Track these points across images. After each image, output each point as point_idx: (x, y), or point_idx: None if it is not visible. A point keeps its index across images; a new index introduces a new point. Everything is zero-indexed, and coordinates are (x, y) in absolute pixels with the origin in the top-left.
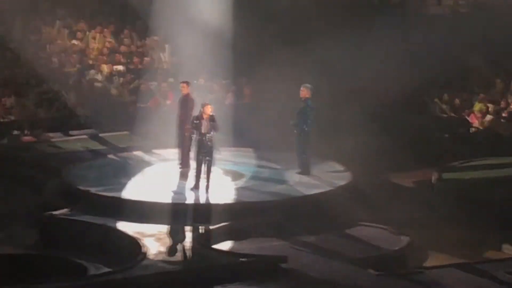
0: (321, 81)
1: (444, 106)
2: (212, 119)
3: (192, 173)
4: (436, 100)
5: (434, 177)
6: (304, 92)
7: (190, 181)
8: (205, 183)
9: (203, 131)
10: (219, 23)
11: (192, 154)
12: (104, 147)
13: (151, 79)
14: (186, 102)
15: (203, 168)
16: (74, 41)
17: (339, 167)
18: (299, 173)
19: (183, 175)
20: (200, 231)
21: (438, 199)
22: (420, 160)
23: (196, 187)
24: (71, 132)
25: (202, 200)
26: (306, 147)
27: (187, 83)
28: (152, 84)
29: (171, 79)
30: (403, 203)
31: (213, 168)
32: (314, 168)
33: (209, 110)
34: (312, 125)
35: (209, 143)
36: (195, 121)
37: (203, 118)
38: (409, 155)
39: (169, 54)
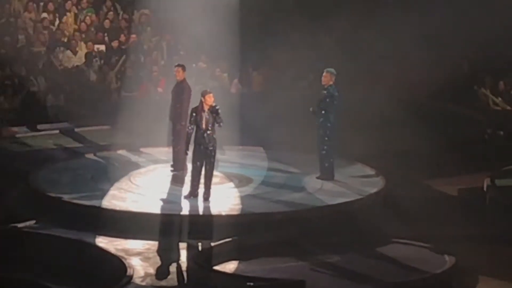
0: (345, 65)
1: (497, 98)
2: (214, 111)
3: (188, 177)
4: (486, 89)
5: (485, 183)
6: (327, 78)
7: (186, 187)
8: (204, 190)
9: (203, 126)
10: None
11: (190, 154)
12: (80, 145)
13: (139, 62)
14: (181, 90)
15: (202, 171)
16: (45, 15)
17: (369, 170)
18: (320, 177)
19: (178, 180)
20: (199, 248)
21: (490, 210)
22: (468, 162)
23: (192, 195)
24: (40, 127)
25: (201, 210)
26: (330, 145)
27: (182, 67)
28: (140, 68)
29: (162, 62)
30: (447, 215)
31: (215, 172)
32: (339, 171)
33: (210, 100)
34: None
35: (210, 140)
36: (193, 114)
37: (203, 110)
38: (455, 156)
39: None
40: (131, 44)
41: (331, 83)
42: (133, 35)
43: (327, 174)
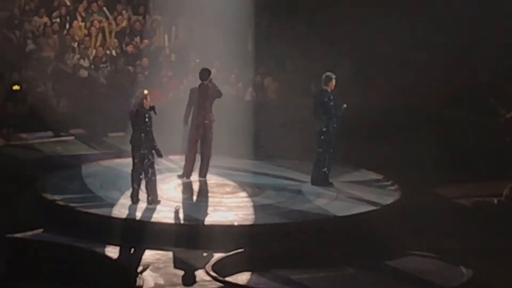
0: (363, 71)
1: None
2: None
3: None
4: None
5: (504, 193)
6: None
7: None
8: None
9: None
10: None
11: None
12: (90, 152)
13: (150, 67)
14: (204, 93)
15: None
16: (55, 18)
17: (384, 181)
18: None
19: (189, 188)
20: (210, 259)
21: (509, 222)
22: (486, 172)
23: (135, 201)
24: (49, 133)
25: (213, 220)
26: (325, 151)
27: (205, 71)
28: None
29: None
30: (464, 227)
31: (227, 181)
32: (354, 181)
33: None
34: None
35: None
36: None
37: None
38: (472, 167)
39: (174, 38)
40: (143, 49)
41: (325, 87)
42: (146, 40)
43: (318, 180)
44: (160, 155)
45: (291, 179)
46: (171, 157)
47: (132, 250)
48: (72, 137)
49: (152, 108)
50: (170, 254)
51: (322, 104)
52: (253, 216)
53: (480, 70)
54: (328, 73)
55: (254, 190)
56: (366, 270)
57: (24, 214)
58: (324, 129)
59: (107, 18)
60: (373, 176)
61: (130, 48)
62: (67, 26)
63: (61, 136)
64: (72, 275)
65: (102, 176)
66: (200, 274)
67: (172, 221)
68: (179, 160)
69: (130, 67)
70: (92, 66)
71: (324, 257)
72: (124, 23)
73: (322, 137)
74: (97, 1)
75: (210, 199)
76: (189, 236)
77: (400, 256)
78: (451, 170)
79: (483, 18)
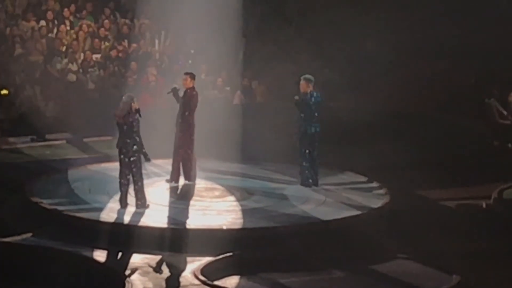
0: (351, 74)
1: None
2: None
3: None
4: (495, 100)
5: (493, 197)
6: (303, 85)
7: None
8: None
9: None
10: (226, 2)
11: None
12: (78, 156)
13: (139, 71)
14: (189, 98)
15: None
16: (43, 23)
17: (373, 184)
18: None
19: (176, 192)
20: (199, 263)
21: (497, 225)
22: (474, 176)
23: (124, 205)
24: (36, 137)
25: (201, 224)
26: (309, 154)
27: (190, 75)
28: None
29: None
30: (452, 230)
31: (215, 185)
32: (343, 184)
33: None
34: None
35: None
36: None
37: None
38: (461, 170)
39: (163, 42)
40: (132, 53)
41: (308, 90)
42: (134, 44)
43: (305, 181)
44: (148, 159)
45: (280, 182)
46: (158, 161)
47: (121, 254)
48: (60, 141)
49: (137, 110)
50: (158, 258)
51: (310, 105)
52: (241, 220)
53: (467, 73)
54: (308, 75)
55: (242, 194)
56: (354, 274)
57: (12, 218)
58: (317, 129)
59: (95, 22)
60: (361, 179)
61: (114, 53)
62: (55, 30)
63: (48, 140)
64: (60, 279)
65: (90, 180)
66: (188, 278)
67: (161, 225)
68: (166, 164)
69: (116, 67)
70: (81, 70)
71: (313, 260)
72: (112, 28)
73: (313, 137)
74: (85, 6)
75: (198, 203)
76: (178, 240)
77: (388, 260)
78: (439, 173)
79: (469, 21)
